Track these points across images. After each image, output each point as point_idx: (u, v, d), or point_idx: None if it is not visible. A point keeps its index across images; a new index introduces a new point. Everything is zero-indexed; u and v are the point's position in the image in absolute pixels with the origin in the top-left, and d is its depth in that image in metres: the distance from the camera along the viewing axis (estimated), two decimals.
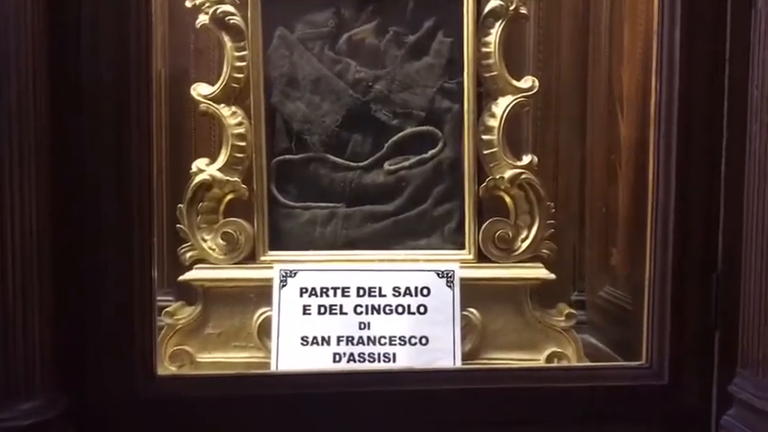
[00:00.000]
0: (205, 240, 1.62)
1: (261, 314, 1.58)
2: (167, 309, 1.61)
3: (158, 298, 1.41)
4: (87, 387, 1.20)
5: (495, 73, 1.59)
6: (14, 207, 1.10)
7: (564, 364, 1.54)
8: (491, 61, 1.58)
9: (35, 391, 1.12)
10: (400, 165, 1.64)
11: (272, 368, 1.50)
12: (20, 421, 1.10)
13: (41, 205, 1.13)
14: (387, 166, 1.64)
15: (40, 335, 1.13)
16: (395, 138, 1.63)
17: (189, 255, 1.61)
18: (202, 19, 1.60)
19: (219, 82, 1.61)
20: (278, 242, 1.64)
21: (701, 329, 1.30)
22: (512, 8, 1.57)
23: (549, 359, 1.55)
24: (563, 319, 1.58)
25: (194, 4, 1.60)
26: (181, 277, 1.61)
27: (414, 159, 1.63)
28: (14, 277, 1.10)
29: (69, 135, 1.19)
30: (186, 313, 1.61)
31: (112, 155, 1.22)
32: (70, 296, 1.19)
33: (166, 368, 1.56)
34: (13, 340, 1.10)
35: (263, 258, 1.62)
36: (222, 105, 1.61)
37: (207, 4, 1.59)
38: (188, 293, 1.66)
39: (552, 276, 1.56)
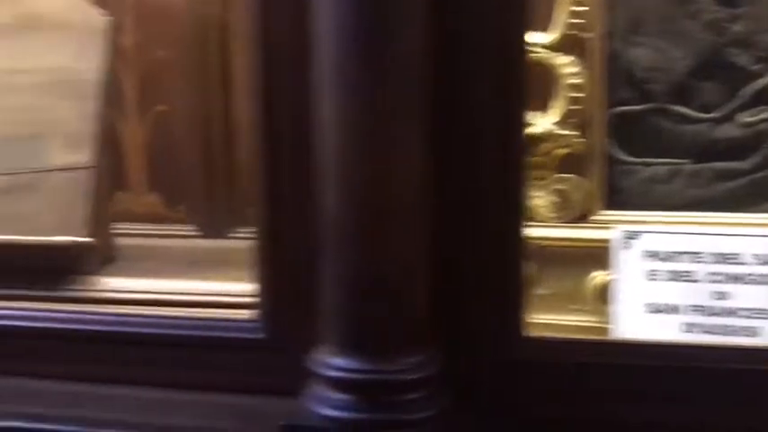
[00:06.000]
0: (534, 197, 1.55)
1: (594, 277, 1.49)
2: None
3: None
4: (461, 347, 1.18)
5: None
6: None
7: None
8: None
9: (418, 347, 1.12)
10: (760, 117, 1.45)
11: (613, 335, 1.41)
12: (406, 375, 1.10)
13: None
14: (743, 117, 1.46)
15: (420, 292, 1.13)
16: (755, 85, 1.44)
17: None
18: None
19: (556, 29, 1.51)
20: (614, 201, 1.52)
21: None
22: None
23: None
24: None
25: None
26: None
27: None
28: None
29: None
30: None
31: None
32: (446, 254, 1.18)
33: None
34: (398, 301, 1.11)
35: (596, 218, 1.52)
36: (558, 54, 1.51)
37: None
38: None
39: None
